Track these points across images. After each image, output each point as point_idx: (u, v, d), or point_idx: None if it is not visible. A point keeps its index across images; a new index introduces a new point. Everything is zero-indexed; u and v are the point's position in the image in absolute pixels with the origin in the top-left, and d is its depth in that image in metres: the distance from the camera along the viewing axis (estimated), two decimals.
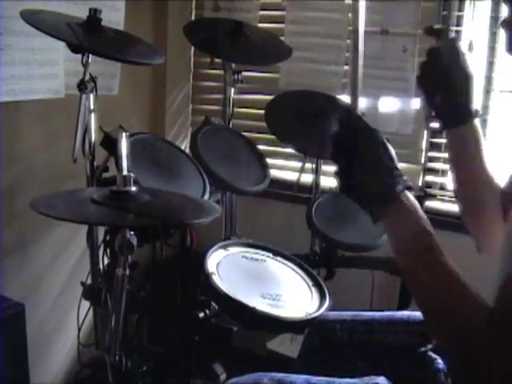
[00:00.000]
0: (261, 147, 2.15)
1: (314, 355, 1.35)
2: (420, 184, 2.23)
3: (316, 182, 2.09)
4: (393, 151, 0.96)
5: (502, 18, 1.08)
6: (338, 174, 1.01)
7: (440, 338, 0.95)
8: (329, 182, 2.24)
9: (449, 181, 2.20)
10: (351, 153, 0.98)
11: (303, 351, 1.40)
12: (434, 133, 2.18)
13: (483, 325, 0.82)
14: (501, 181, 1.25)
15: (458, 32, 2.09)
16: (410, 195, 0.95)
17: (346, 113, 1.01)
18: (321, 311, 1.46)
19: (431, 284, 0.91)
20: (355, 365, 1.25)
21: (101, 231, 1.69)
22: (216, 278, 1.46)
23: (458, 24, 2.08)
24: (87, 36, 1.60)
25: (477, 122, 1.21)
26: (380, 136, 0.96)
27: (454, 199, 2.17)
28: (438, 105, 1.21)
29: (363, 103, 2.41)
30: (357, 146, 0.97)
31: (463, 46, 1.21)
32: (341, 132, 1.00)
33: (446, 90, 1.19)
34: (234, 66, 2.09)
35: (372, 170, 0.95)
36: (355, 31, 1.04)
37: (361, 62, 1.02)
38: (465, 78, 1.19)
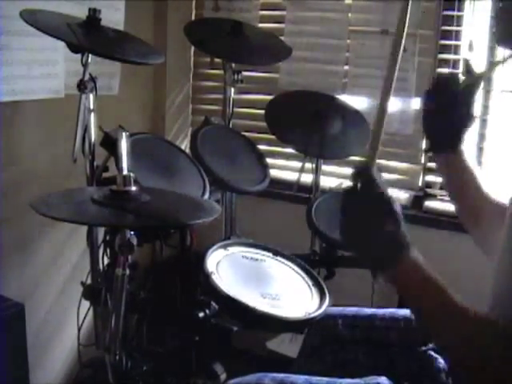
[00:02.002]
0: (261, 147, 2.15)
1: (315, 351, 1.35)
2: (420, 184, 2.23)
3: (316, 182, 2.09)
4: (399, 211, 0.96)
5: (494, 11, 1.09)
6: (340, 227, 0.97)
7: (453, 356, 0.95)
8: (329, 181, 2.25)
9: None
10: (354, 212, 0.96)
11: (304, 347, 1.40)
12: None
13: (489, 336, 0.85)
14: (502, 196, 1.26)
15: (457, 32, 2.09)
16: (414, 253, 0.95)
17: (360, 169, 1.01)
18: (321, 311, 1.46)
19: (447, 328, 0.91)
20: (356, 361, 1.25)
21: (101, 231, 1.69)
22: (216, 278, 1.46)
23: (458, 24, 2.08)
24: (87, 36, 1.60)
25: (464, 149, 1.26)
26: (387, 199, 0.96)
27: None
28: (434, 127, 1.25)
29: (363, 103, 2.42)
30: (360, 206, 0.96)
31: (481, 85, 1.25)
32: (350, 189, 0.98)
33: (447, 119, 1.23)
34: (234, 65, 2.09)
35: (372, 235, 0.95)
36: (399, 37, 1.05)
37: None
38: (467, 120, 1.24)
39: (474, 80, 1.23)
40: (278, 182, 2.32)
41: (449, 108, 1.22)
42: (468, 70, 1.25)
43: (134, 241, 1.31)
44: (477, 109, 1.25)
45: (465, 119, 1.24)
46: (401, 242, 0.94)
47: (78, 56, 1.61)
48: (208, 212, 1.33)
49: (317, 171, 2.07)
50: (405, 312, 1.38)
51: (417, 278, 0.94)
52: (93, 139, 1.69)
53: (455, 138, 1.25)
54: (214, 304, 1.61)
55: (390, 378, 1.11)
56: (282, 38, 2.29)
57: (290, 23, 2.34)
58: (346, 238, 0.98)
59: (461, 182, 1.27)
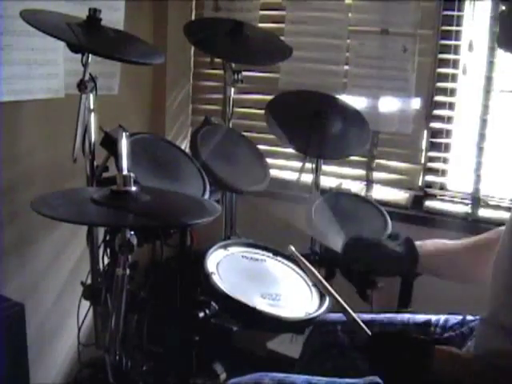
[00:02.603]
0: (261, 147, 2.15)
1: (315, 357, 1.35)
2: (420, 184, 2.23)
3: (316, 182, 2.08)
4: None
5: (499, 11, 1.09)
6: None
7: None
8: (329, 181, 2.25)
9: (449, 181, 2.21)
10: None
11: (304, 353, 1.40)
12: (434, 133, 2.19)
13: None
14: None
15: (457, 32, 2.09)
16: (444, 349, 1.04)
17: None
18: (321, 311, 1.46)
19: None
20: (355, 367, 1.26)
21: (101, 231, 1.70)
22: (216, 278, 1.46)
23: (458, 24, 2.08)
24: (87, 36, 1.60)
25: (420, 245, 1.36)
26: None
27: (454, 199, 2.18)
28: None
29: (363, 103, 2.42)
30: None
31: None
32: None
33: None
34: (234, 65, 2.09)
35: None
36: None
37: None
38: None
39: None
40: (278, 182, 2.32)
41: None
42: None
43: (134, 241, 1.31)
44: None
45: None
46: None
47: (78, 56, 1.61)
48: (208, 212, 1.33)
49: (317, 171, 2.07)
50: (402, 317, 1.38)
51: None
52: (93, 139, 1.69)
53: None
54: (213, 304, 1.62)
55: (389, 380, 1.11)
56: (282, 38, 2.29)
57: (290, 23, 2.34)
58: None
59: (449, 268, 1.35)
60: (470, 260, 1.32)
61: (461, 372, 1.01)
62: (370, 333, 1.10)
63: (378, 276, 1.37)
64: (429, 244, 1.37)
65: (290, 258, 1.69)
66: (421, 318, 1.37)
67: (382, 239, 1.41)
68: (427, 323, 1.35)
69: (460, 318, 1.35)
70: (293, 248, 1.36)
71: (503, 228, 1.15)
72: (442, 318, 1.37)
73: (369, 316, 1.35)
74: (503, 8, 1.08)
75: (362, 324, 1.11)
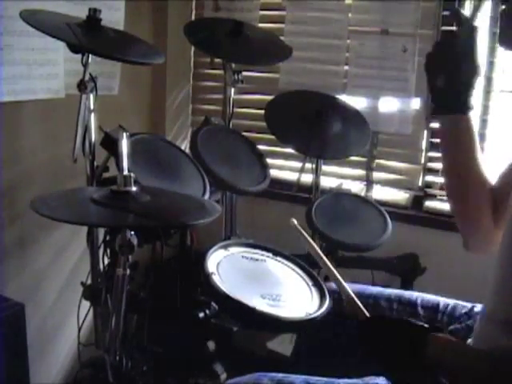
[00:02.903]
0: (261, 147, 2.15)
1: (311, 351, 1.35)
2: (420, 184, 2.23)
3: (316, 182, 2.08)
4: None
5: (501, 9, 1.09)
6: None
7: None
8: (329, 181, 2.25)
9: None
10: None
11: (299, 347, 1.40)
12: (433, 133, 2.18)
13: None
14: (493, 178, 1.25)
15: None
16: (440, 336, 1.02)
17: None
18: (321, 311, 1.46)
19: None
20: (354, 362, 1.25)
21: (101, 231, 1.70)
22: (216, 278, 1.46)
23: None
24: (87, 36, 1.60)
25: (472, 117, 1.20)
26: None
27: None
28: (439, 88, 1.19)
29: (363, 103, 2.42)
30: None
31: (480, 37, 1.19)
32: None
33: (452, 75, 1.17)
34: (234, 65, 2.09)
35: None
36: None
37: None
38: (473, 71, 1.17)
39: (467, 26, 1.19)
40: (278, 182, 2.32)
41: (451, 62, 1.17)
42: (458, 19, 1.20)
43: (135, 241, 1.31)
44: (481, 64, 1.19)
45: (469, 71, 1.17)
46: None
47: (78, 56, 1.61)
48: (209, 212, 1.33)
49: (317, 171, 2.07)
50: (411, 295, 1.39)
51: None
52: (93, 139, 1.69)
53: (463, 94, 1.18)
54: (214, 304, 1.61)
55: (389, 378, 1.11)
56: (282, 38, 2.29)
57: (290, 23, 2.34)
58: None
59: (462, 147, 1.22)
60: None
61: (456, 360, 1.00)
62: (368, 315, 1.09)
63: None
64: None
65: (290, 258, 1.69)
66: (430, 299, 1.37)
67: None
68: (435, 308, 1.35)
69: (469, 306, 1.34)
70: (295, 221, 1.35)
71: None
72: (451, 304, 1.36)
73: (376, 289, 1.34)
74: (503, 7, 1.08)
75: (360, 305, 1.11)
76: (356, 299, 1.12)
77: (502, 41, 1.13)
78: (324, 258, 1.25)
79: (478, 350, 1.04)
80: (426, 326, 1.05)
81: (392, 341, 1.04)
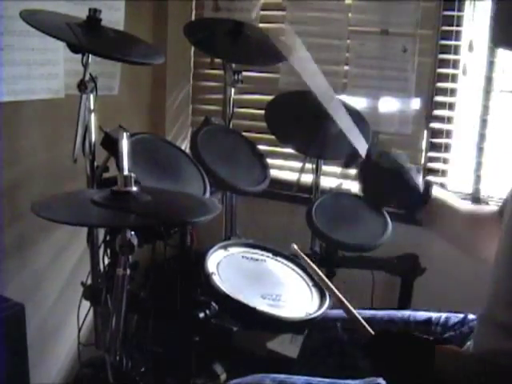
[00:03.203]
0: (261, 147, 2.15)
1: (314, 354, 1.35)
2: None
3: (316, 182, 2.08)
4: None
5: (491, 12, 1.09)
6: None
7: None
8: (329, 182, 2.25)
9: (449, 181, 2.20)
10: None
11: (304, 350, 1.40)
12: (433, 133, 2.19)
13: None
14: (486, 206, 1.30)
15: (457, 32, 2.09)
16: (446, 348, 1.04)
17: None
18: (321, 311, 1.46)
19: None
20: (355, 364, 1.25)
21: (101, 231, 1.69)
22: (216, 278, 1.46)
23: (458, 24, 2.08)
24: (87, 36, 1.60)
25: (437, 191, 1.31)
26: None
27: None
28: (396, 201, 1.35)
29: (363, 103, 2.41)
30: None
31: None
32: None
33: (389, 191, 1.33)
34: (234, 66, 2.09)
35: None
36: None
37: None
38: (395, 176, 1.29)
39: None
40: (278, 182, 2.32)
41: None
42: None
43: (135, 241, 1.31)
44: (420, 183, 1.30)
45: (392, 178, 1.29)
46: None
47: (78, 56, 1.61)
48: (209, 209, 1.33)
49: (317, 171, 2.07)
50: (403, 314, 1.38)
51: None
52: (93, 139, 1.69)
53: (418, 199, 1.29)
54: (214, 304, 1.61)
55: (389, 379, 1.11)
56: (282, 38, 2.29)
57: (290, 23, 2.34)
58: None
59: (450, 222, 1.32)
60: (471, 228, 1.33)
61: (462, 371, 1.01)
62: (372, 332, 1.10)
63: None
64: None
65: (290, 258, 1.69)
66: (422, 315, 1.37)
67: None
68: (428, 321, 1.35)
69: (461, 316, 1.35)
70: (295, 246, 1.36)
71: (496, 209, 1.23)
72: (443, 316, 1.37)
73: (369, 312, 1.35)
74: (498, 6, 1.08)
75: (364, 323, 1.11)
76: (360, 317, 1.13)
77: (496, 41, 1.13)
78: (326, 280, 1.25)
79: (484, 360, 1.03)
80: (431, 338, 1.05)
81: (399, 355, 1.05)
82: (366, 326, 1.11)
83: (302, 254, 1.34)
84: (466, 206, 1.35)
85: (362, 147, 1.32)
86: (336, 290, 1.21)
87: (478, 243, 1.30)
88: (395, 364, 1.05)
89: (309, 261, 1.32)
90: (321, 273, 1.29)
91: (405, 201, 1.33)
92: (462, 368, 1.01)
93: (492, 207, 1.32)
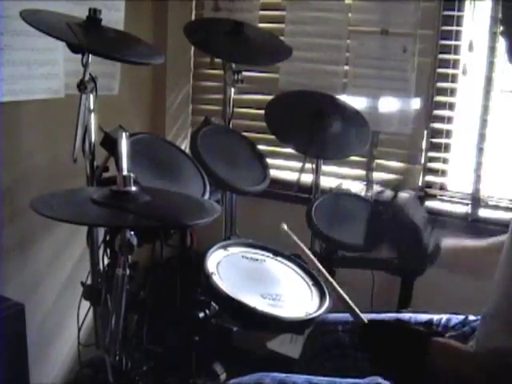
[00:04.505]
0: (261, 147, 2.15)
1: (315, 357, 1.35)
2: (420, 184, 2.23)
3: (316, 182, 2.08)
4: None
5: (500, 30, 1.08)
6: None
7: None
8: (329, 181, 2.25)
9: (449, 181, 2.20)
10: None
11: (305, 352, 1.40)
12: (433, 133, 2.19)
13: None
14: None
15: (457, 32, 2.09)
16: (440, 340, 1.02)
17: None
18: (321, 311, 1.46)
19: None
20: (356, 367, 1.25)
21: (101, 231, 1.69)
22: (216, 278, 1.46)
23: (458, 24, 2.08)
24: (87, 36, 1.60)
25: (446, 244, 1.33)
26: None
27: (453, 199, 2.18)
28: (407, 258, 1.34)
29: (363, 103, 2.42)
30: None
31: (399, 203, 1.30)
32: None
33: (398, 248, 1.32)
34: (234, 66, 2.09)
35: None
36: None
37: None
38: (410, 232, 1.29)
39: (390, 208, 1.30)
40: (277, 182, 2.32)
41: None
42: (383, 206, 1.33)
43: (134, 241, 1.31)
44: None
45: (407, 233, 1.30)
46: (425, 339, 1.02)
47: (78, 56, 1.61)
48: (209, 212, 1.33)
49: (317, 171, 2.07)
50: (404, 316, 1.38)
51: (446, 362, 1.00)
52: (93, 139, 1.69)
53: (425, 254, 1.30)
54: (214, 304, 1.61)
55: (390, 379, 1.11)
56: (282, 38, 2.29)
57: (290, 23, 2.34)
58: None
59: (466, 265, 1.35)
60: (489, 260, 1.32)
61: (460, 366, 0.99)
62: (366, 320, 1.09)
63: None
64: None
65: (290, 258, 1.69)
66: (423, 317, 1.37)
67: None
68: (429, 323, 1.35)
69: (462, 317, 1.35)
70: (285, 226, 1.35)
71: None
72: (444, 317, 1.37)
73: (369, 316, 1.35)
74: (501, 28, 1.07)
75: (357, 311, 1.10)
76: (353, 305, 1.12)
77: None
78: (317, 262, 1.25)
79: (484, 356, 1.02)
80: (425, 330, 1.04)
81: (392, 345, 1.04)
82: (360, 314, 1.10)
83: (291, 233, 1.33)
84: (476, 241, 1.36)
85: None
86: (327, 274, 1.19)
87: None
88: (387, 353, 1.04)
89: (298, 241, 1.30)
90: (311, 254, 1.28)
91: (413, 263, 1.37)
92: (460, 363, 0.99)
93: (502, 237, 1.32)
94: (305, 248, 1.29)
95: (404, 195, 1.33)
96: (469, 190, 2.13)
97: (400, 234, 1.30)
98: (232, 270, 1.54)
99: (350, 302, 1.12)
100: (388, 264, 1.92)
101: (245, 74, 2.13)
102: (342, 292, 1.14)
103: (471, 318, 1.33)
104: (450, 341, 1.05)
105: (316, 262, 1.24)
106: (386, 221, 1.31)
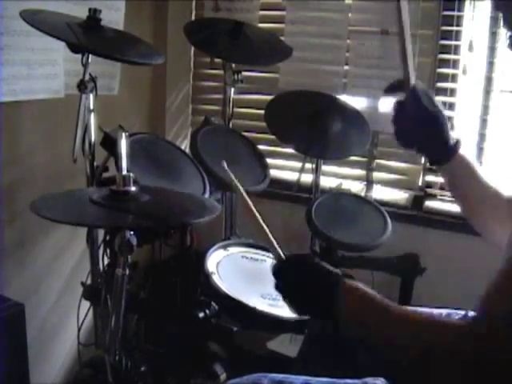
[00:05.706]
0: (261, 147, 2.15)
1: (313, 355, 1.35)
2: (420, 184, 2.23)
3: (316, 182, 2.08)
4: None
5: (508, 42, 1.08)
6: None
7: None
8: (329, 181, 2.25)
9: None
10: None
11: (303, 352, 1.40)
12: None
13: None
14: (506, 189, 1.27)
15: (457, 32, 2.09)
16: (353, 284, 0.99)
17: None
18: None
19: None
20: (355, 363, 1.25)
21: (101, 231, 1.70)
22: (216, 278, 1.46)
23: (458, 24, 2.08)
24: (87, 36, 1.60)
25: (463, 150, 1.27)
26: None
27: (454, 199, 2.17)
28: (421, 148, 1.31)
29: (363, 103, 2.41)
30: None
31: (423, 88, 1.28)
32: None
33: (420, 136, 1.27)
34: (234, 66, 2.09)
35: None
36: None
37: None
38: (433, 119, 1.25)
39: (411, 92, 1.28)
40: (278, 182, 2.31)
41: (414, 127, 1.26)
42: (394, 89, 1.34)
43: (134, 241, 1.31)
44: (439, 107, 1.26)
45: (433, 121, 1.25)
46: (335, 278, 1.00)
47: (78, 56, 1.61)
48: (209, 210, 1.33)
49: (317, 171, 2.07)
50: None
51: (361, 309, 0.96)
52: (93, 139, 1.69)
53: (442, 144, 1.26)
54: (214, 304, 1.61)
55: (389, 379, 1.11)
56: (282, 38, 2.29)
57: (290, 23, 2.34)
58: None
59: (465, 186, 1.29)
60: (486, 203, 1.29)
61: (371, 317, 0.94)
62: (283, 256, 1.08)
63: None
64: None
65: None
66: (423, 310, 1.37)
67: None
68: None
69: (462, 313, 1.35)
70: (225, 164, 1.33)
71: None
72: (444, 312, 1.36)
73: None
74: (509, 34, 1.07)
75: (277, 247, 1.10)
76: (274, 241, 1.10)
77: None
78: (249, 202, 1.21)
79: (403, 311, 0.96)
80: (339, 272, 1.03)
81: (302, 282, 1.03)
82: (279, 250, 1.09)
83: (229, 171, 1.29)
84: (487, 179, 1.30)
85: (413, 76, 1.28)
86: (257, 213, 1.16)
87: (488, 222, 1.27)
88: (297, 289, 1.03)
89: (236, 181, 1.28)
90: (243, 190, 1.25)
91: (432, 149, 1.29)
92: (372, 313, 0.93)
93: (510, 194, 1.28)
94: (238, 184, 1.27)
95: (422, 85, 1.29)
96: None
97: (421, 120, 1.25)
98: (232, 269, 1.55)
99: (270, 236, 1.11)
100: (388, 264, 1.92)
101: (245, 73, 2.13)
102: (264, 225, 1.12)
103: (471, 313, 1.33)
104: (368, 289, 0.98)
105: (249, 201, 1.20)
106: (408, 108, 1.27)
